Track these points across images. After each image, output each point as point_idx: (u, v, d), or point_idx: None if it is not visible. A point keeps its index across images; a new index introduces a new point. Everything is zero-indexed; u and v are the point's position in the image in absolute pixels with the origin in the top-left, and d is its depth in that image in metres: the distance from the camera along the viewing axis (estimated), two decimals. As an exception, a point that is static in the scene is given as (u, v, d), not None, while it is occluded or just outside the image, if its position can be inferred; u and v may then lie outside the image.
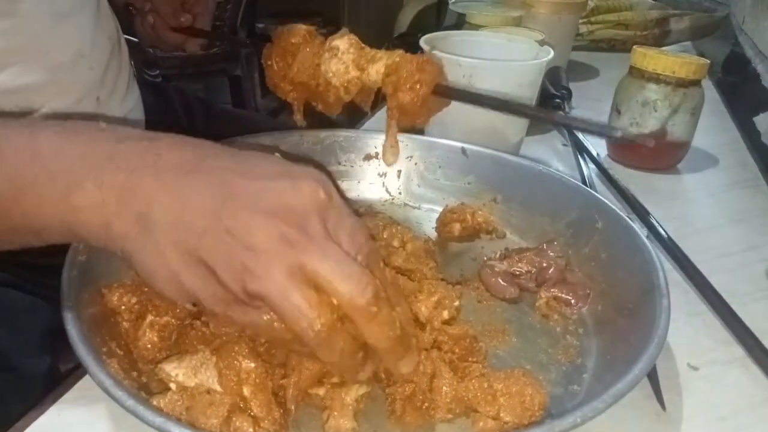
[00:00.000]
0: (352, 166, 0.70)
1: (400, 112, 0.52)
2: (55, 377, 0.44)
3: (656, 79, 0.77)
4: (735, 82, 1.10)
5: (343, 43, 0.48)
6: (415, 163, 0.69)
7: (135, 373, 0.41)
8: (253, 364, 0.40)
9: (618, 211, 0.55)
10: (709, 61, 0.77)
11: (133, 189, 0.34)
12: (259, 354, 0.41)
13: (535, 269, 0.56)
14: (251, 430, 0.38)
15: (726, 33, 1.29)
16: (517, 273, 0.56)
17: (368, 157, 0.69)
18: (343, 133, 0.69)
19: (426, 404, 0.42)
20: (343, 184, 0.69)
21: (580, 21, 1.21)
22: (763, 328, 0.52)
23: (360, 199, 0.68)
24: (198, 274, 0.34)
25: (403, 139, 0.65)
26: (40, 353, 0.55)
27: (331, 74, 0.48)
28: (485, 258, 0.59)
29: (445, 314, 0.48)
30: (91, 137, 0.36)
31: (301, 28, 0.48)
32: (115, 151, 0.35)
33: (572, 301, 0.54)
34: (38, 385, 0.53)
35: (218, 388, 0.39)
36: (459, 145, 0.67)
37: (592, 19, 1.30)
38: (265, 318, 0.35)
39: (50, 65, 0.59)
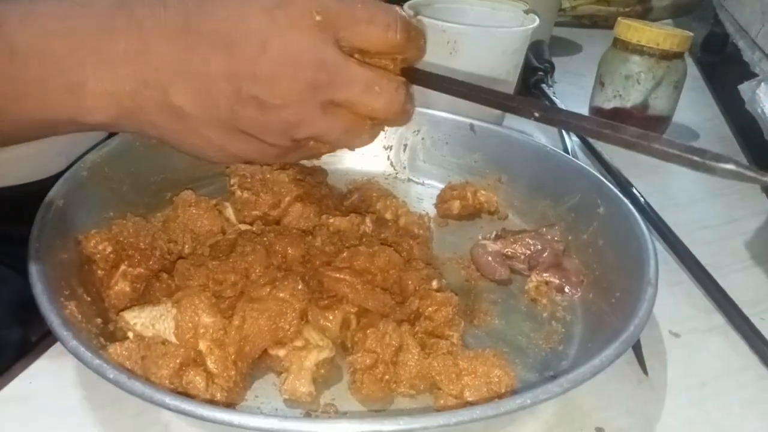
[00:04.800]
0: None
1: None
2: (26, 348, 0.44)
3: (640, 51, 0.76)
4: (714, 61, 1.11)
5: None
6: (422, 138, 0.67)
7: (100, 320, 0.42)
8: (211, 319, 0.39)
9: (621, 195, 0.52)
10: (692, 34, 0.76)
11: (140, 76, 0.32)
12: (221, 310, 0.41)
13: (529, 252, 0.54)
14: (204, 384, 0.37)
15: (704, 14, 1.28)
16: (510, 254, 0.54)
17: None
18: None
19: (387, 377, 0.40)
20: (347, 156, 0.68)
21: (564, -4, 1.20)
22: (742, 297, 0.52)
23: (363, 171, 0.67)
24: (243, 140, 0.35)
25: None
26: (11, 324, 0.55)
27: None
28: (480, 237, 0.57)
29: (435, 284, 0.47)
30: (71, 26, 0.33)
31: None
32: (99, 37, 0.32)
33: (565, 288, 0.51)
34: (9, 356, 0.52)
35: (173, 339, 0.39)
36: (468, 121, 0.65)
37: (575, -6, 1.28)
38: (315, 151, 0.39)
39: None
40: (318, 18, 0.32)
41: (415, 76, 0.41)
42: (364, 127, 0.37)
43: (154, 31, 0.32)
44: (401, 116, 0.38)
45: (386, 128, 0.46)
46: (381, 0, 0.36)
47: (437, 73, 0.41)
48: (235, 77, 0.32)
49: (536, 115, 0.37)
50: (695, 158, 0.30)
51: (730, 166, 0.29)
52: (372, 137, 0.39)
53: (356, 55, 0.36)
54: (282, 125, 0.34)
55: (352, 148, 0.41)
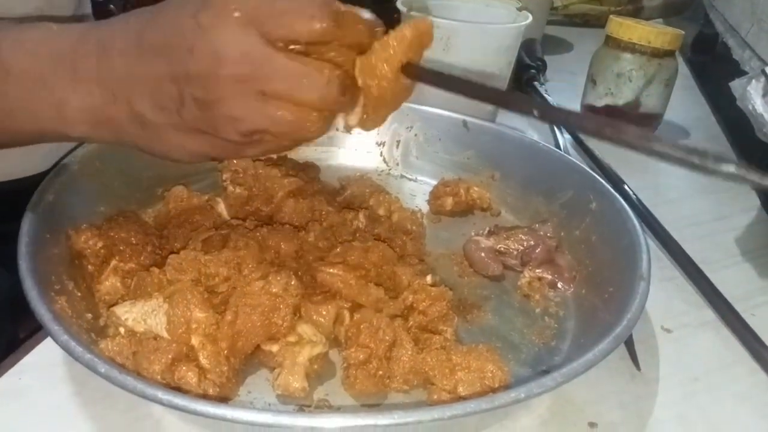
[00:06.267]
0: (350, 133, 0.68)
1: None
2: (15, 345, 0.44)
3: (632, 48, 0.77)
4: (704, 60, 1.12)
5: None
6: (415, 134, 0.67)
7: (90, 315, 0.41)
8: (203, 315, 0.39)
9: (613, 192, 0.52)
10: (683, 32, 0.76)
11: (108, 90, 0.36)
12: (213, 305, 0.40)
13: (522, 248, 0.54)
14: (196, 379, 0.37)
15: (695, 14, 1.30)
16: (503, 250, 0.54)
17: (367, 125, 0.68)
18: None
19: (381, 372, 0.40)
20: (340, 152, 0.68)
21: (555, -5, 1.20)
22: (733, 293, 0.52)
23: (356, 167, 0.67)
24: (199, 138, 0.36)
25: (405, 108, 0.63)
26: (0, 320, 0.54)
27: None
28: (473, 233, 0.57)
29: (429, 279, 0.47)
30: (53, 49, 0.37)
31: None
32: (74, 58, 0.36)
33: (558, 283, 0.52)
34: None
35: (165, 334, 0.38)
36: (461, 117, 0.65)
37: (567, -7, 1.28)
38: (273, 145, 0.37)
39: None
40: (237, 14, 0.33)
41: (412, 72, 0.40)
42: (309, 117, 0.36)
43: (115, 48, 0.36)
44: (339, 105, 0.37)
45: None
46: None
47: (434, 68, 0.40)
48: (175, 80, 0.34)
49: (536, 113, 0.37)
50: (695, 160, 0.30)
51: (731, 169, 0.29)
52: (323, 127, 0.37)
53: (294, 48, 0.35)
54: (224, 120, 0.35)
55: (309, 139, 0.39)
